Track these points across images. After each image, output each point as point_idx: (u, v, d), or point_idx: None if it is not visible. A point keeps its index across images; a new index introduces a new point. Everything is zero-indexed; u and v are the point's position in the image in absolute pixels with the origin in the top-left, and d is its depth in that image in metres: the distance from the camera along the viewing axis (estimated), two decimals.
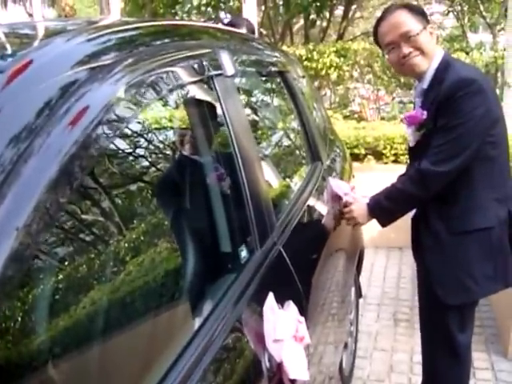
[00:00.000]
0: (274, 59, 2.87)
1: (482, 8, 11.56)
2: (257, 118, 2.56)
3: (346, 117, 8.60)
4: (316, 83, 9.71)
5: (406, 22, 2.42)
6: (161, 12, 12.77)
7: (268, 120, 2.79)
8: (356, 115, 9.42)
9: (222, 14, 14.89)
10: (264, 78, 2.82)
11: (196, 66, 1.74)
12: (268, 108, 2.87)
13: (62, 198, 0.97)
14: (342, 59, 8.52)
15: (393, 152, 6.18)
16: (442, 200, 2.50)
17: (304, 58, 8.75)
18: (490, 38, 14.27)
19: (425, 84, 2.51)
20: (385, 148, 6.19)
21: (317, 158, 2.94)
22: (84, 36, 1.30)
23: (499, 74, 9.01)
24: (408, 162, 2.79)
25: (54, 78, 1.05)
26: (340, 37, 11.74)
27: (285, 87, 2.92)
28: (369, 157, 6.24)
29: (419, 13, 2.48)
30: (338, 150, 3.69)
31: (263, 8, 12.18)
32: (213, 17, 14.40)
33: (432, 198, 2.50)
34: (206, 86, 1.83)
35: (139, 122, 1.48)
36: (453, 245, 2.51)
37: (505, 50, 8.12)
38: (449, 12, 14.93)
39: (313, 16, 11.75)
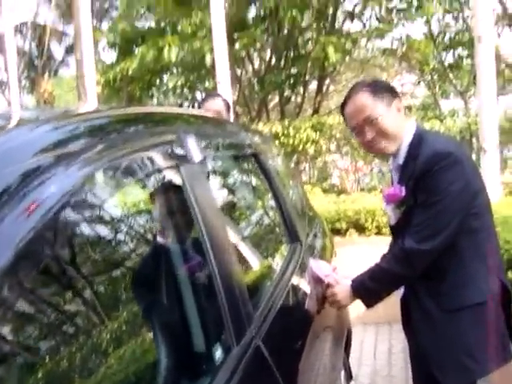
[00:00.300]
0: (247, 141, 2.82)
1: (451, 76, 11.84)
2: (230, 203, 2.47)
3: (325, 190, 8.58)
4: (294, 158, 9.77)
5: (369, 105, 2.35)
6: (137, 95, 12.90)
7: (242, 203, 2.70)
8: (336, 188, 9.42)
9: (198, 95, 15.13)
10: (236, 161, 2.75)
11: (161, 153, 1.68)
12: (242, 191, 2.79)
13: (14, 286, 0.94)
14: (318, 133, 8.57)
15: (375, 224, 6.12)
16: (431, 276, 2.41)
17: (280, 134, 8.81)
18: (461, 104, 14.60)
19: (400, 160, 2.45)
20: (366, 221, 6.14)
21: (295, 238, 2.85)
22: (51, 124, 1.32)
23: (474, 140, 9.12)
24: (391, 238, 2.70)
25: (16, 165, 1.06)
26: (315, 111, 11.90)
27: (259, 168, 2.85)
28: (350, 230, 6.17)
29: (385, 90, 2.42)
30: (317, 227, 3.60)
31: (238, 87, 12.38)
32: (189, 98, 14.62)
33: (420, 275, 2.41)
34: (172, 172, 1.75)
35: (104, 209, 1.40)
36: (446, 323, 2.39)
37: (477, 115, 8.24)
38: (420, 81, 15.30)
39: (287, 92, 11.96)
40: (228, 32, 9.42)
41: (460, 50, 13.38)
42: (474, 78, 11.56)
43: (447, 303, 2.39)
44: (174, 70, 12.29)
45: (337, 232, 6.15)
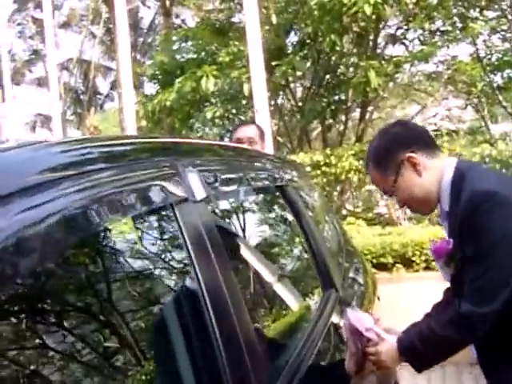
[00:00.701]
0: (275, 173, 2.47)
1: (501, 98, 11.32)
2: (245, 246, 2.11)
3: (369, 221, 8.16)
4: (338, 188, 9.38)
5: (379, 180, 2.17)
6: (176, 126, 12.74)
7: (261, 246, 2.33)
8: (382, 218, 8.98)
9: None
10: (259, 196, 2.41)
11: (152, 190, 1.35)
12: (263, 231, 2.43)
13: None
14: (361, 162, 8.18)
15: (423, 258, 5.69)
16: (507, 340, 2.03)
17: (322, 163, 8.45)
18: (510, 128, 13.97)
19: (445, 205, 2.09)
20: (414, 255, 5.70)
21: (330, 285, 2.47)
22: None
23: None
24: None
25: None
26: (358, 139, 11.50)
27: (287, 204, 2.50)
28: (397, 265, 5.73)
29: (387, 156, 2.11)
30: (357, 267, 3.21)
31: (278, 116, 12.09)
32: (229, 129, 14.39)
33: (495, 338, 2.03)
34: (164, 212, 1.43)
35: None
36: None
37: None
38: (467, 105, 14.73)
39: (329, 121, 11.60)
40: (266, 60, 9.16)
41: (509, 71, 12.86)
42: None
43: None
44: (213, 101, 12.11)
45: (383, 267, 5.79)
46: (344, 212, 9.67)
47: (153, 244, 1.46)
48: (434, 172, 2.08)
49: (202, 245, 1.46)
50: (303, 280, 2.57)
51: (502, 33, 12.54)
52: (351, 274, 2.98)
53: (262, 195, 2.43)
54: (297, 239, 2.55)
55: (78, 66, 29.30)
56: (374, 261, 5.73)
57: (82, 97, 30.00)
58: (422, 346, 2.08)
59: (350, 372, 2.23)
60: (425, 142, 2.13)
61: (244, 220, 2.19)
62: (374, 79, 8.84)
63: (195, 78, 10.72)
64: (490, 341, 2.09)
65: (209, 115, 11.01)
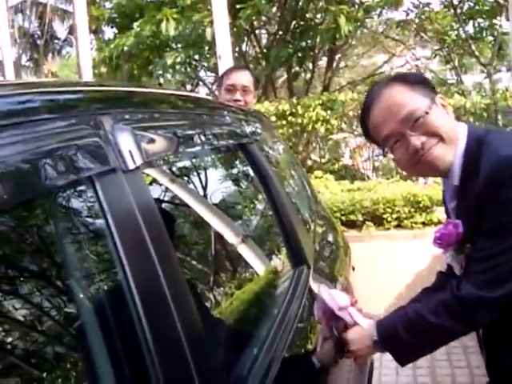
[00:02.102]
0: (238, 129, 2.07)
1: (473, 47, 10.99)
2: (200, 224, 1.71)
3: (337, 173, 7.86)
4: (303, 139, 9.02)
5: (406, 99, 1.67)
6: (135, 73, 12.14)
7: (222, 218, 1.92)
8: (347, 169, 8.69)
9: (201, 73, 14.33)
10: (219, 156, 2.00)
11: (63, 160, 0.96)
12: (223, 200, 2.02)
13: None
14: (328, 112, 7.79)
15: (394, 216, 5.41)
16: None
17: (288, 112, 8.04)
18: (480, 79, 13.73)
19: (455, 180, 1.69)
20: (385, 212, 5.40)
21: (300, 261, 2.10)
22: None
23: (499, 117, 8.31)
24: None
25: None
26: (325, 88, 11.08)
27: (251, 164, 2.11)
28: (368, 223, 5.44)
29: (421, 82, 1.71)
30: (329, 233, 2.85)
31: (243, 63, 11.57)
32: (193, 76, 13.82)
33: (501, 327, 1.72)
34: (80, 189, 1.03)
35: None
36: None
37: (507, 90, 7.45)
38: (435, 55, 14.39)
39: (295, 68, 11.13)
40: (230, 3, 8.63)
41: (480, 20, 12.51)
42: (499, 49, 10.76)
43: None
44: (174, 46, 11.52)
45: (352, 225, 5.51)
46: (309, 163, 9.36)
47: (66, 232, 1.05)
48: (454, 127, 1.71)
49: (133, 231, 1.06)
50: (271, 250, 2.20)
51: None
52: (326, 244, 2.62)
53: (221, 154, 2.02)
54: (259, 205, 2.17)
55: (33, 9, 27.90)
56: (343, 218, 5.43)
57: (38, 42, 28.74)
58: (406, 334, 1.73)
59: (323, 361, 1.88)
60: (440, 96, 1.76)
61: (199, 187, 1.79)
62: (345, 25, 8.39)
63: (155, 22, 10.14)
64: (493, 333, 1.76)
65: (169, 61, 10.46)
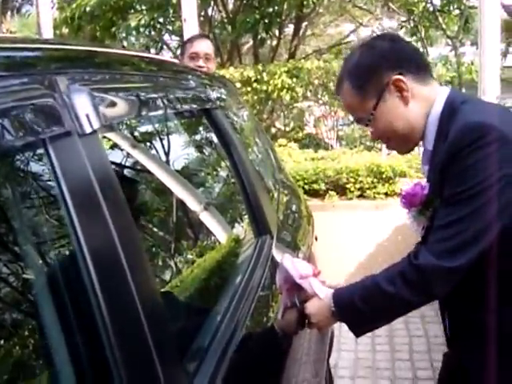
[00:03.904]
0: (202, 94, 2.01)
1: (440, 20, 11.01)
2: (161, 191, 1.66)
3: (301, 142, 7.84)
4: (268, 106, 8.96)
5: (354, 105, 1.74)
6: (98, 35, 11.84)
7: (183, 185, 1.87)
8: (312, 141, 8.67)
9: (166, 37, 14.06)
10: (182, 122, 1.94)
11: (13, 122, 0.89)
12: (185, 166, 1.96)
13: None
14: (294, 80, 7.75)
15: (357, 186, 5.42)
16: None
17: (253, 79, 7.97)
18: (446, 51, 13.76)
19: (429, 144, 1.69)
20: (348, 182, 5.41)
21: (263, 230, 2.07)
22: None
23: (463, 90, 8.39)
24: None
25: None
26: (291, 56, 11.01)
27: (215, 130, 2.05)
28: (330, 193, 5.45)
29: (370, 73, 1.69)
30: (293, 202, 2.83)
31: (208, 28, 11.38)
32: (157, 39, 13.56)
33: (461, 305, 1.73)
34: (32, 154, 0.97)
35: None
36: None
37: (472, 64, 7.51)
38: (402, 27, 14.39)
39: (261, 34, 10.99)
40: None
41: None
42: (465, 23, 10.78)
43: None
44: (138, 8, 11.25)
45: (315, 194, 5.50)
46: (273, 131, 9.33)
47: (16, 197, 0.99)
48: (423, 102, 1.69)
49: (88, 197, 1.01)
50: (234, 218, 2.16)
51: None
52: (289, 214, 2.60)
53: (184, 119, 1.96)
54: (226, 172, 2.13)
55: None
56: (306, 187, 5.43)
57: None
58: (362, 305, 1.70)
59: (285, 331, 1.87)
60: (417, 63, 1.71)
61: (161, 153, 1.73)
62: None
63: None
64: (454, 304, 1.75)
65: (133, 23, 10.24)
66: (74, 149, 1.02)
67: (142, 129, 1.65)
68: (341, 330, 4.66)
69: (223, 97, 2.34)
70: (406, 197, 1.75)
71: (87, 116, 1.08)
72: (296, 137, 8.83)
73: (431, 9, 11.72)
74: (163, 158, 1.80)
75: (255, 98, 8.06)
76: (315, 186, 5.45)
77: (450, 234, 1.56)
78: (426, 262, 1.58)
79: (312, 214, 3.07)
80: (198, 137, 2.16)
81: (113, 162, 1.25)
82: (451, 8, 12.31)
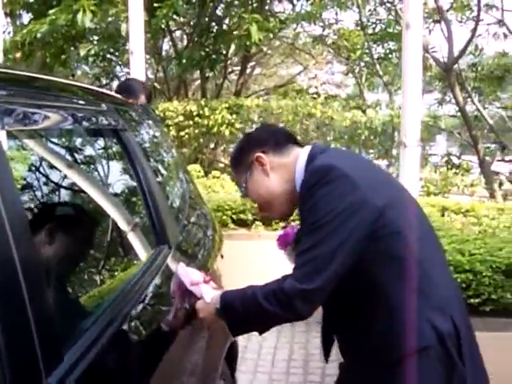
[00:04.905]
0: (109, 116, 2.22)
1: (378, 68, 11.57)
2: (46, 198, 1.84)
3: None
4: (211, 141, 9.24)
5: (236, 178, 2.18)
6: (48, 62, 11.95)
7: (73, 199, 2.04)
8: None
9: (117, 68, 14.27)
10: (82, 139, 2.14)
11: None
12: (88, 185, 2.14)
13: None
14: (234, 116, 8.06)
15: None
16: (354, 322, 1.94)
17: (195, 113, 8.24)
18: (383, 97, 14.41)
19: (298, 189, 2.00)
20: None
21: (163, 240, 2.29)
22: None
23: (396, 133, 8.83)
24: None
25: None
26: (237, 93, 11.35)
27: (122, 150, 2.27)
28: (257, 223, 5.69)
29: (241, 159, 2.06)
30: (203, 223, 3.06)
31: (157, 62, 11.66)
32: (108, 70, 13.75)
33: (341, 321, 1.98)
34: None
35: None
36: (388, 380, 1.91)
37: (400, 108, 7.94)
38: (348, 72, 15.01)
39: (206, 71, 11.31)
40: (149, 1, 8.74)
41: (390, 44, 13.14)
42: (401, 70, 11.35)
43: (382, 356, 1.91)
44: (90, 38, 11.44)
45: (242, 224, 5.74)
46: (221, 165, 9.57)
47: None
48: (283, 169, 2.00)
49: None
50: (136, 232, 2.37)
51: (388, 4, 12.75)
52: (193, 232, 2.81)
53: (91, 137, 2.17)
54: (130, 189, 2.34)
55: None
56: (234, 217, 5.66)
57: None
58: (241, 309, 1.93)
59: (177, 328, 2.09)
60: (276, 140, 2.04)
61: (61, 167, 1.92)
62: (256, 34, 8.65)
63: (71, 11, 10.02)
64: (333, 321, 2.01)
65: (82, 52, 10.40)
66: None
67: (45, 144, 1.83)
68: (260, 353, 4.89)
69: (137, 121, 2.57)
70: (280, 239, 2.09)
71: None
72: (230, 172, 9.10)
73: (372, 56, 12.34)
74: (66, 171, 1.99)
75: (197, 131, 8.33)
76: (242, 216, 5.67)
77: (306, 260, 1.81)
78: (290, 285, 1.81)
79: (220, 234, 3.30)
80: (102, 153, 2.36)
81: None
82: (392, 56, 12.98)
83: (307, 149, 2.02)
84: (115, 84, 14.51)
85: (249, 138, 2.14)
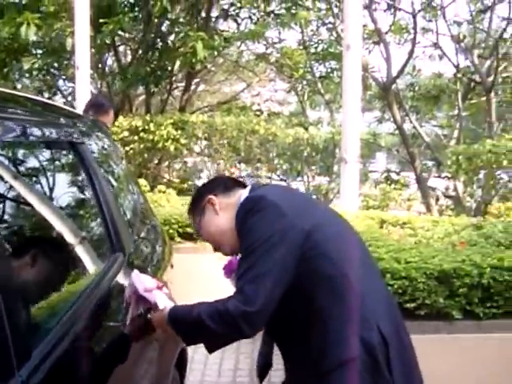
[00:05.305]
0: (65, 129, 2.31)
1: (320, 86, 11.89)
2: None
3: (182, 191, 8.18)
4: (157, 156, 9.29)
5: (193, 220, 2.31)
6: None
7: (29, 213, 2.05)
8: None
9: (60, 82, 14.14)
10: (38, 153, 2.17)
11: None
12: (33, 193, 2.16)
13: None
14: (179, 131, 8.17)
15: None
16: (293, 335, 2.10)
17: (141, 129, 8.32)
18: (325, 114, 14.78)
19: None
20: None
21: (118, 248, 2.39)
22: None
23: (337, 150, 9.11)
24: None
25: None
26: (182, 109, 11.45)
27: (79, 163, 2.37)
28: None
29: (197, 204, 2.26)
30: (154, 234, 3.16)
31: (101, 77, 11.64)
32: (51, 84, 13.61)
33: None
34: None
35: None
36: None
37: (340, 126, 8.23)
38: (290, 90, 15.31)
39: (151, 87, 11.36)
40: (94, 16, 8.78)
41: (332, 63, 13.50)
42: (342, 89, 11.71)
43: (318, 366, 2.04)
44: (33, 52, 11.35)
45: (189, 237, 5.79)
46: (164, 180, 9.63)
47: None
48: (229, 208, 2.16)
49: None
50: (88, 241, 2.45)
51: (330, 25, 13.11)
52: (145, 241, 2.92)
53: (46, 150, 2.22)
54: (84, 201, 2.43)
55: None
56: (181, 230, 5.74)
57: None
58: (188, 326, 2.09)
59: (132, 337, 2.19)
60: (225, 185, 2.25)
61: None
62: (201, 51, 8.81)
63: (15, 24, 9.93)
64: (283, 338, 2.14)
65: (26, 66, 10.32)
66: None
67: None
68: (206, 363, 4.98)
69: (90, 135, 2.66)
70: (225, 268, 2.27)
71: None
72: (180, 187, 9.16)
73: (314, 74, 12.65)
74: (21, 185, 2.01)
75: (142, 146, 8.40)
76: (189, 230, 5.72)
77: (244, 282, 1.96)
78: (234, 306, 1.93)
79: (169, 244, 3.41)
80: (58, 164, 2.42)
81: None
82: (334, 75, 13.33)
83: (249, 187, 2.22)
84: (58, 98, 14.39)
85: (203, 185, 2.39)
